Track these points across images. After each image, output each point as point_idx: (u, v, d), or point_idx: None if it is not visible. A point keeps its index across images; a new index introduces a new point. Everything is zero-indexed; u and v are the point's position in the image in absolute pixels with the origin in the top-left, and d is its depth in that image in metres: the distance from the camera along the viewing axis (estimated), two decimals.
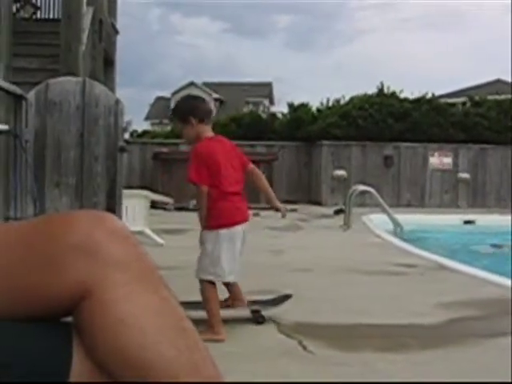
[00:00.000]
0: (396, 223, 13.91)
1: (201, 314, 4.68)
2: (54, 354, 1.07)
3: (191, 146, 5.11)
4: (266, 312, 5.25)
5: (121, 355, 1.07)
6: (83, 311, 1.08)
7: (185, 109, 5.04)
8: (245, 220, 5.06)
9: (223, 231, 4.91)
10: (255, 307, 5.21)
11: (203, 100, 5.43)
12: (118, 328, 1.07)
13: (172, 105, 6.13)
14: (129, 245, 1.13)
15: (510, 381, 3.84)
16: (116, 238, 1.12)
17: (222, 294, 5.17)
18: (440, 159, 20.35)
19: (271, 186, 20.91)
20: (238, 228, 4.98)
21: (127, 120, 41.47)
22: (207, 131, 5.03)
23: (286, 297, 5.45)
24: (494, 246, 12.66)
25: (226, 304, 5.20)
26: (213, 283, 4.90)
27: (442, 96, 26.91)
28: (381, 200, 14.34)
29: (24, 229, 1.16)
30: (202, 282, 4.90)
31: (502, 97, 22.53)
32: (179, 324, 1.11)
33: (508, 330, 5.13)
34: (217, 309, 4.86)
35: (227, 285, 5.23)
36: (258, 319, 5.15)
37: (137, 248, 1.15)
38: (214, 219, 4.90)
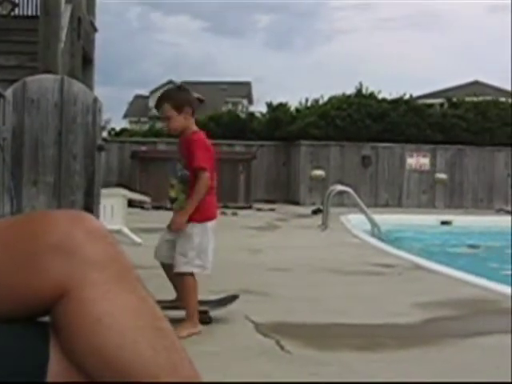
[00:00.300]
0: (373, 223, 13.96)
1: (176, 313, 4.66)
2: (30, 354, 1.07)
3: (187, 137, 5.04)
4: (214, 312, 5.22)
5: (98, 355, 1.07)
6: (61, 311, 1.08)
7: (182, 98, 5.03)
8: (216, 216, 5.15)
9: (210, 224, 4.98)
10: (203, 308, 5.15)
11: (193, 94, 5.49)
12: (96, 327, 1.07)
13: (163, 92, 5.94)
14: (107, 244, 1.13)
15: (494, 381, 3.87)
16: (94, 238, 1.12)
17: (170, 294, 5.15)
18: (417, 160, 20.46)
19: (249, 185, 20.81)
20: (209, 224, 5.03)
21: (106, 118, 41.28)
22: (194, 125, 5.09)
23: (234, 297, 5.39)
24: (471, 246, 12.74)
25: (175, 305, 5.14)
26: (193, 276, 4.92)
27: (419, 97, 27.09)
28: (358, 200, 14.39)
29: (1, 228, 1.15)
30: (183, 275, 4.91)
31: (480, 98, 22.69)
32: (157, 324, 1.11)
33: (484, 330, 5.17)
34: (196, 302, 4.91)
35: (176, 285, 5.19)
36: (205, 320, 5.09)
37: (115, 248, 1.15)
38: (201, 212, 4.92)
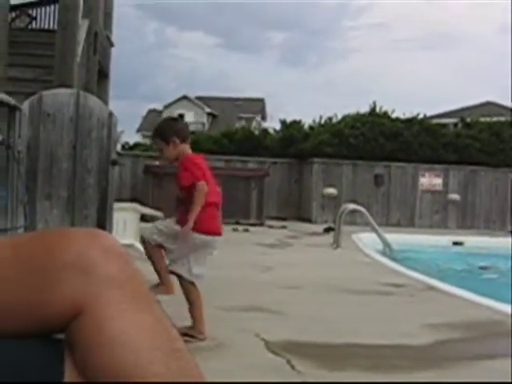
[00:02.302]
0: (385, 243, 13.92)
1: None
2: (45, 371, 1.07)
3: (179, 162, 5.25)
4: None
5: (113, 374, 1.07)
6: (76, 328, 1.08)
7: (167, 130, 5.26)
8: (219, 232, 5.22)
9: (209, 238, 5.12)
10: None
11: (183, 122, 5.87)
12: (111, 346, 1.07)
13: (154, 128, 6.25)
14: (123, 263, 1.13)
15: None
16: (110, 256, 1.12)
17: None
18: (430, 180, 20.41)
19: (261, 202, 20.79)
20: (209, 238, 5.13)
21: (120, 130, 41.43)
22: (188, 149, 5.27)
23: None
24: (482, 268, 12.68)
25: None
26: (195, 286, 5.11)
27: (433, 116, 27.05)
28: (371, 219, 14.35)
29: (18, 244, 1.15)
30: (187, 285, 5.08)
31: (494, 119, 22.64)
32: (172, 344, 1.11)
33: (495, 353, 5.14)
34: (201, 311, 5.06)
35: (153, 262, 5.55)
36: None
37: (131, 266, 1.15)
38: (201, 224, 5.04)
